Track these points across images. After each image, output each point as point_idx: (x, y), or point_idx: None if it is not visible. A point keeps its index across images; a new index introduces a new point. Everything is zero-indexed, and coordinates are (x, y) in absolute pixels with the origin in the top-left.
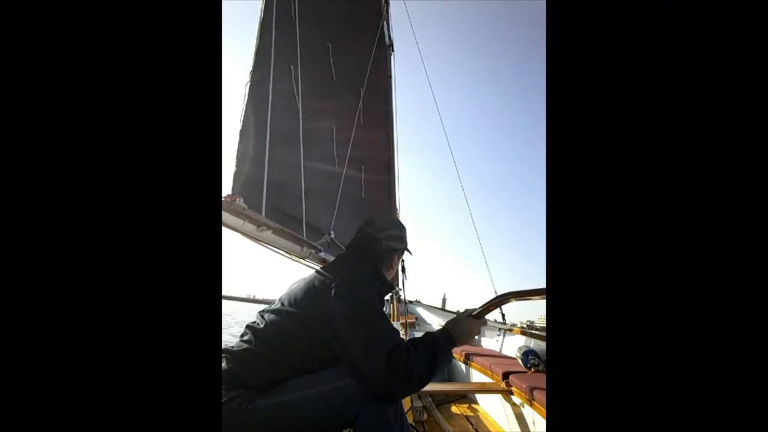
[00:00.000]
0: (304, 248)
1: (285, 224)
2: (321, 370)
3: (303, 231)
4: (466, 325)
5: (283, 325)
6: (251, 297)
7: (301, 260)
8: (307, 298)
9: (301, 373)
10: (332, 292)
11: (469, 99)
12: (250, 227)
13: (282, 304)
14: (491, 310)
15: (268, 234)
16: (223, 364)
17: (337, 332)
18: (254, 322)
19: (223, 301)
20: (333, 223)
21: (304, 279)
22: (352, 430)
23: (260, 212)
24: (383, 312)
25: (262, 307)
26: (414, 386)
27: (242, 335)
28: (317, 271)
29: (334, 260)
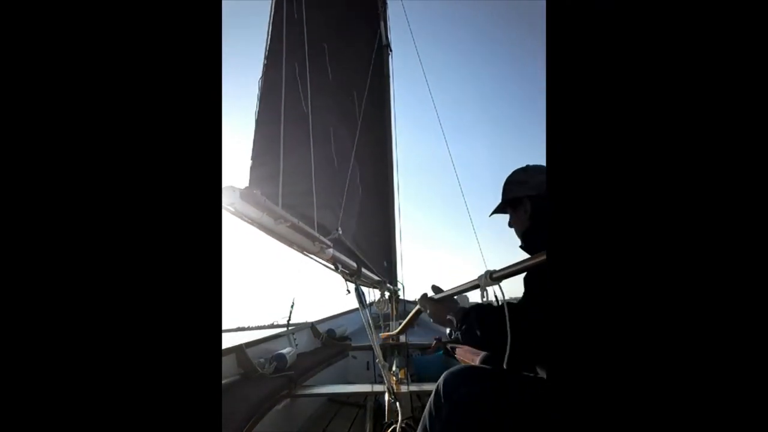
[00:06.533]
0: (316, 243)
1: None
2: None
3: (315, 226)
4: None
5: None
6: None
7: (312, 256)
8: None
9: None
10: None
11: (468, 98)
12: (268, 220)
13: None
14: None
15: (283, 227)
16: None
17: None
18: None
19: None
20: (340, 220)
21: None
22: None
23: (276, 205)
24: None
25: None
26: None
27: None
28: None
29: None
